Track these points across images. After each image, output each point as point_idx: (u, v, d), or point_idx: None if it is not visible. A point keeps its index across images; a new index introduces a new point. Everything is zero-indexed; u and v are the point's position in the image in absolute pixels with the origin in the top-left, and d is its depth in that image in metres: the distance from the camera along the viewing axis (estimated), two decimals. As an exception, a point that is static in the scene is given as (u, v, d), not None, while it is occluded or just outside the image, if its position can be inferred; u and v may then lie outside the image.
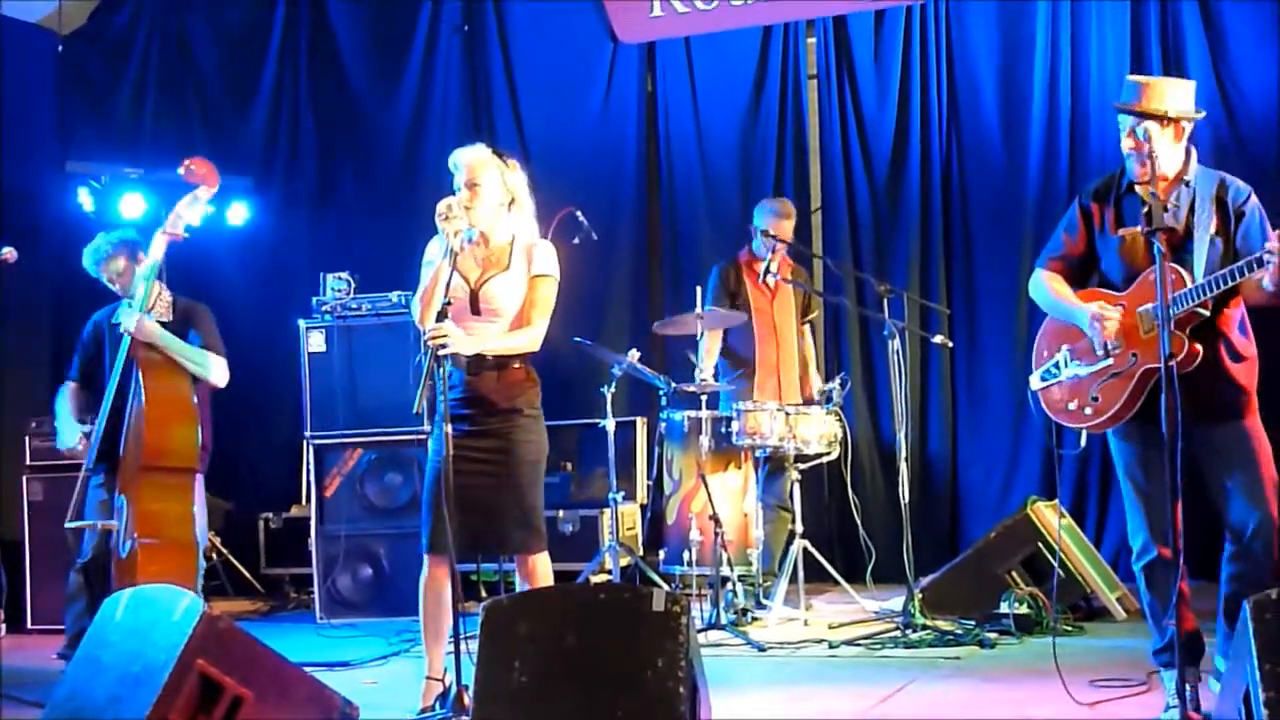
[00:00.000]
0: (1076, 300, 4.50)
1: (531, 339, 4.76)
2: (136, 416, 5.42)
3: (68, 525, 5.53)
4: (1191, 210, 4.33)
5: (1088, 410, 4.43)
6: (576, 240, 6.58)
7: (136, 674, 3.81)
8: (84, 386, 5.97)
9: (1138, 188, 4.37)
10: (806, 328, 7.44)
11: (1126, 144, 4.35)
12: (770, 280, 7.10)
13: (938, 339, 6.98)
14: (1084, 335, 4.44)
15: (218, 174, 5.70)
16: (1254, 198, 4.35)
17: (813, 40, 8.62)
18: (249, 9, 9.69)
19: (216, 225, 8.94)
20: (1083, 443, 4.77)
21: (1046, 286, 4.59)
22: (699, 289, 7.13)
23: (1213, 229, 4.28)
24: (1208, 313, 4.21)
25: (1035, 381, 4.65)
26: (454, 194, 4.69)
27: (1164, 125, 4.31)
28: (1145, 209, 4.16)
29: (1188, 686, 4.04)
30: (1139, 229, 4.24)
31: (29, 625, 7.43)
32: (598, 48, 8.97)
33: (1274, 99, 7.54)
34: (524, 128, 9.09)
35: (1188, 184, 4.36)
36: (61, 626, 6.12)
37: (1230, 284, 4.12)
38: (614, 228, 8.59)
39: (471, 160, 4.75)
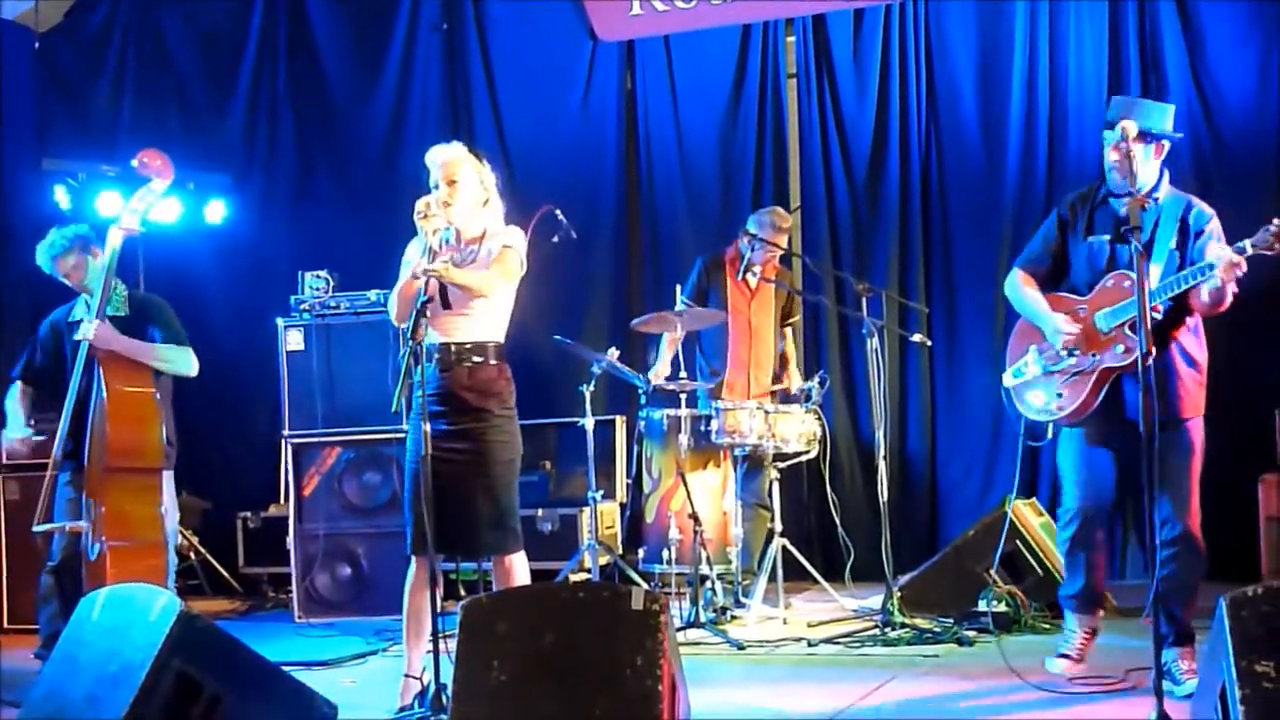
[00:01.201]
0: (1046, 306, 4.96)
1: (486, 281, 4.65)
2: (100, 417, 5.37)
3: (36, 529, 5.49)
4: (1156, 225, 4.76)
5: (1053, 406, 4.91)
6: (556, 239, 6.56)
7: (114, 673, 3.80)
8: (34, 385, 5.90)
9: (1111, 200, 4.82)
10: (789, 330, 7.45)
11: (1112, 156, 4.74)
12: (751, 279, 7.11)
13: (917, 338, 7.00)
14: None
15: (172, 166, 5.61)
16: (1215, 221, 4.77)
17: (792, 39, 8.63)
18: (227, 7, 9.65)
19: (195, 223, 8.93)
20: (1049, 435, 5.11)
21: (1021, 288, 5.05)
22: (679, 287, 7.14)
23: (1172, 244, 4.73)
24: (1159, 316, 4.65)
25: (1009, 379, 5.10)
26: (431, 192, 4.69)
27: (1146, 142, 4.74)
28: (1118, 217, 4.73)
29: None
30: (1107, 236, 4.81)
31: (5, 625, 7.40)
32: (577, 46, 8.96)
33: (1252, 99, 7.58)
34: (503, 126, 9.08)
35: (1156, 201, 4.78)
36: (38, 626, 6.09)
37: (1179, 289, 4.58)
38: (593, 226, 8.59)
39: (448, 158, 4.74)
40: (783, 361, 7.38)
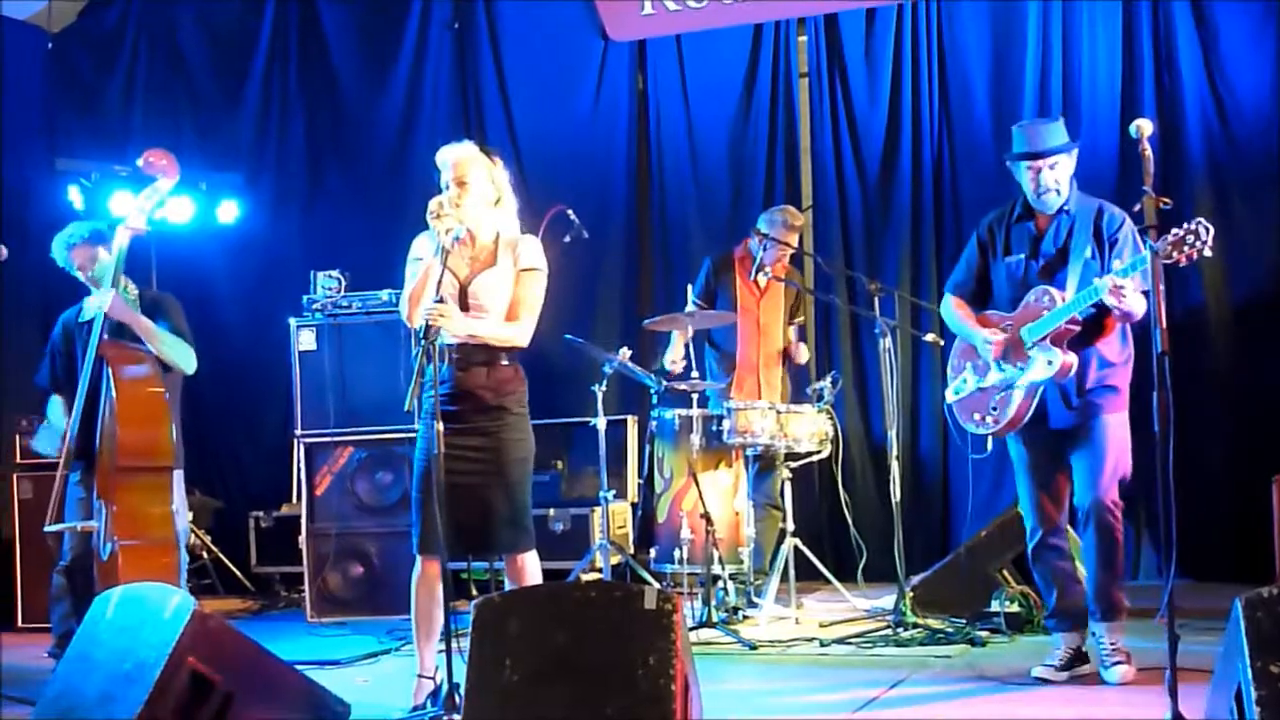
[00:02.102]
0: (974, 324, 5.15)
1: (521, 332, 4.75)
2: (110, 417, 5.33)
3: (47, 529, 5.47)
4: (1070, 234, 4.94)
5: (989, 419, 5.10)
6: (567, 238, 6.57)
7: (127, 672, 3.80)
8: (61, 391, 5.86)
9: (1026, 219, 5.06)
10: (791, 330, 7.41)
11: (1049, 179, 4.95)
12: (761, 279, 7.10)
13: (929, 337, 6.98)
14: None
15: (177, 165, 5.59)
16: (1128, 224, 4.90)
17: (804, 38, 8.62)
18: (239, 7, 9.67)
19: (207, 223, 8.94)
20: (989, 448, 5.40)
21: (952, 311, 5.27)
22: (689, 287, 7.13)
23: (1088, 253, 4.89)
24: (1078, 328, 4.83)
25: (950, 396, 5.31)
26: (443, 192, 4.69)
27: (1070, 155, 4.98)
28: (1033, 234, 5.01)
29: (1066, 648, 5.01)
30: (1024, 254, 5.03)
31: (19, 624, 7.43)
32: (588, 46, 8.97)
33: (1265, 97, 7.56)
34: (514, 125, 9.09)
35: (1068, 212, 4.99)
36: (50, 625, 6.10)
37: (1076, 310, 4.77)
38: (605, 225, 8.59)
39: (459, 157, 4.74)
40: (789, 361, 7.36)
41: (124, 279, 5.66)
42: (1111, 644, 4.92)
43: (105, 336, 5.43)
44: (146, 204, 5.56)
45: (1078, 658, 5.02)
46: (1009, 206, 5.17)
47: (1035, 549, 5.09)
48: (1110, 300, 4.66)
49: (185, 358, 5.71)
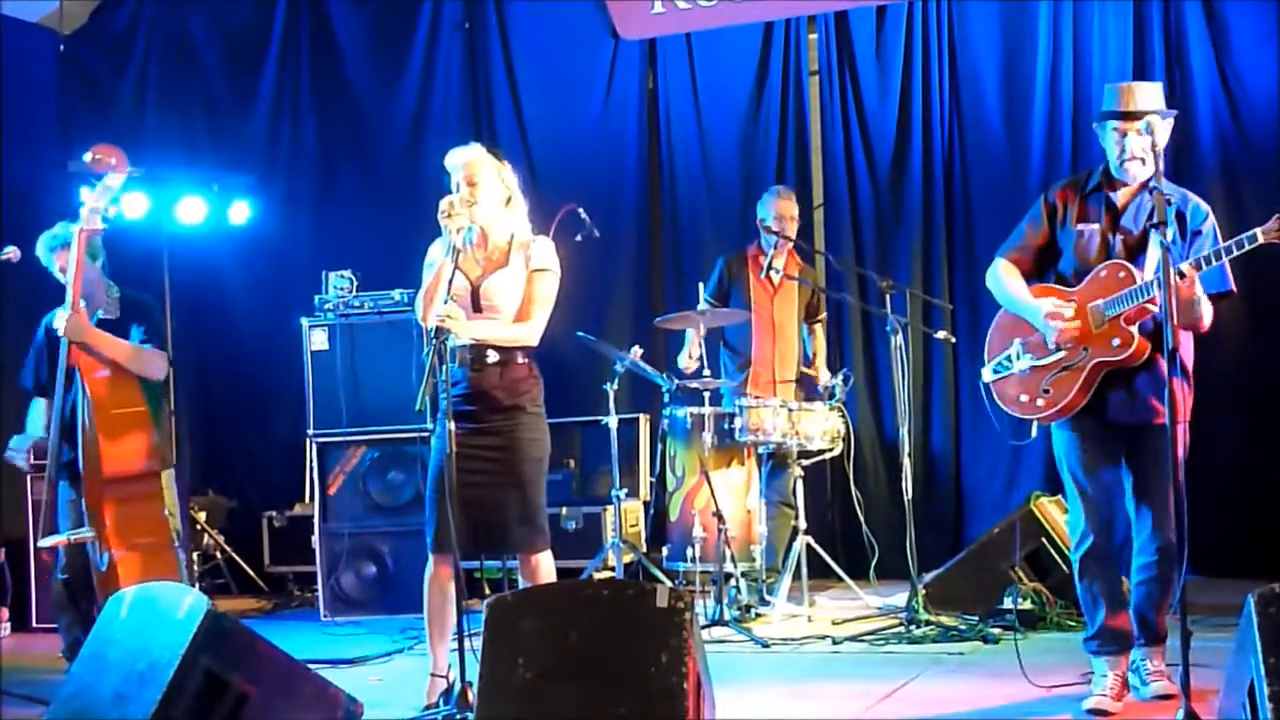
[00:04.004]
0: (1030, 295, 4.64)
1: (531, 332, 4.77)
2: (90, 428, 5.20)
3: (41, 544, 5.36)
4: (1151, 216, 4.40)
5: (1039, 402, 4.59)
6: (579, 238, 6.57)
7: (141, 672, 3.81)
8: (45, 394, 5.66)
9: (1107, 190, 4.58)
10: (817, 327, 7.43)
11: (1135, 145, 4.47)
12: (774, 276, 7.10)
13: (940, 334, 6.98)
14: (1035, 329, 4.61)
15: (126, 160, 5.41)
16: (1211, 219, 4.54)
17: (814, 36, 8.61)
18: (250, 8, 9.68)
19: (219, 224, 8.96)
20: (1033, 434, 4.82)
21: (1003, 279, 4.73)
22: (701, 285, 7.14)
23: (1167, 238, 4.30)
24: (1155, 308, 4.34)
25: (988, 374, 4.80)
26: (454, 192, 4.71)
27: (1163, 121, 4.43)
28: (1114, 206, 4.52)
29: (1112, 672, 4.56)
30: (1099, 225, 4.55)
31: (33, 624, 7.44)
32: (599, 45, 8.96)
33: (1276, 93, 7.52)
34: (525, 125, 9.09)
35: (1154, 190, 4.38)
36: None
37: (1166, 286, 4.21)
38: (616, 225, 8.59)
39: (468, 159, 4.78)
40: (809, 359, 7.37)
41: (105, 281, 5.55)
42: (1155, 667, 4.61)
43: (74, 344, 5.28)
44: (99, 203, 5.37)
45: (1128, 683, 4.62)
46: (1085, 174, 4.70)
47: (1084, 559, 4.64)
48: (1175, 284, 4.11)
49: (151, 366, 5.49)
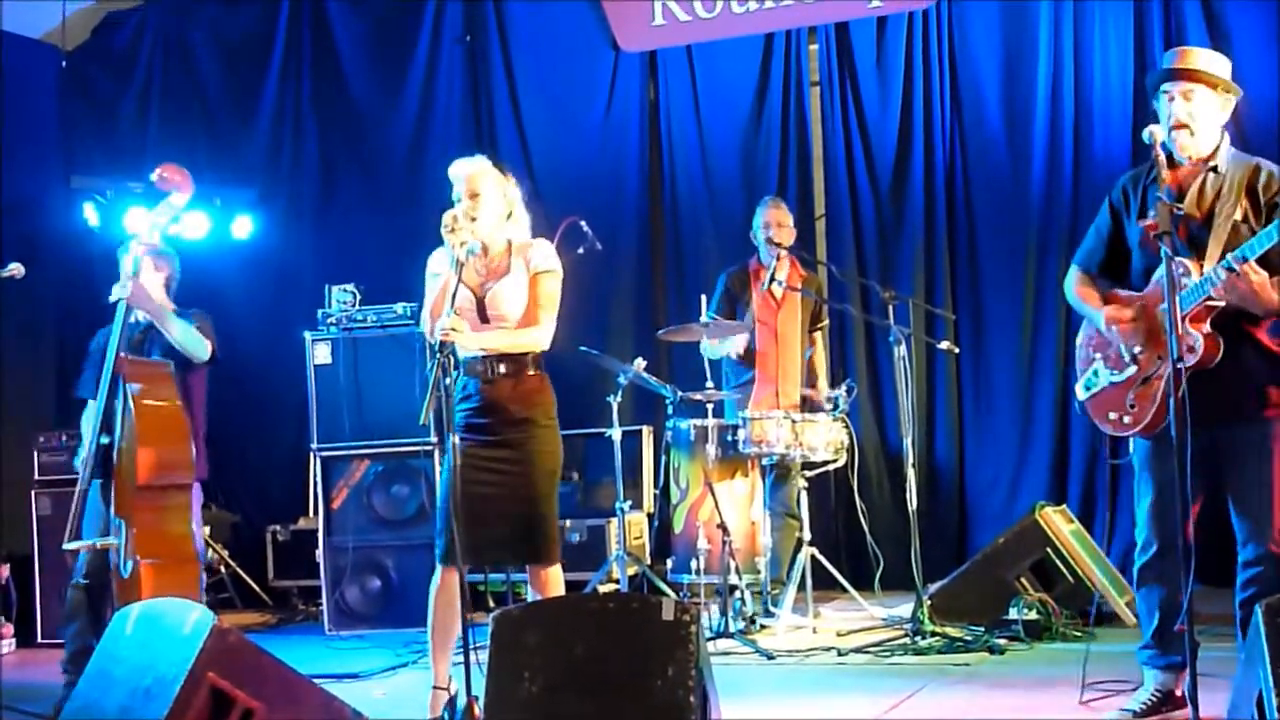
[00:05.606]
0: (1096, 301, 4.44)
1: (540, 335, 4.77)
2: (129, 435, 5.28)
3: (66, 546, 5.40)
4: (1217, 196, 4.21)
5: (1126, 419, 4.32)
6: (581, 250, 6.58)
7: (147, 687, 3.81)
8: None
9: (1175, 174, 4.27)
10: (818, 335, 7.43)
11: (1181, 110, 4.21)
12: (776, 289, 7.09)
13: (944, 345, 6.98)
14: (1109, 340, 4.39)
15: (191, 181, 5.56)
16: None
17: (815, 47, 8.62)
18: (252, 22, 9.70)
19: (222, 239, 8.97)
20: (1132, 449, 4.46)
21: (1073, 287, 4.54)
22: (704, 297, 7.14)
23: (1238, 216, 4.17)
24: (1221, 301, 4.07)
25: (1080, 392, 4.53)
26: (455, 206, 4.71)
27: (1216, 91, 4.24)
28: (1161, 203, 4.00)
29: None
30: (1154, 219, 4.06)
31: (38, 639, 7.44)
32: (600, 57, 8.98)
33: (1277, 96, 7.52)
34: (526, 137, 9.11)
35: (1216, 170, 4.23)
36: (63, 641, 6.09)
37: (1218, 282, 4.02)
38: (618, 236, 8.60)
39: (471, 171, 4.78)
40: (811, 372, 7.35)
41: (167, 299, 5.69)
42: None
43: (123, 353, 5.39)
44: (160, 219, 5.55)
45: (1166, 702, 4.35)
46: (1147, 165, 4.32)
47: (1143, 568, 4.39)
48: (1216, 292, 3.95)
49: (197, 346, 5.68)
